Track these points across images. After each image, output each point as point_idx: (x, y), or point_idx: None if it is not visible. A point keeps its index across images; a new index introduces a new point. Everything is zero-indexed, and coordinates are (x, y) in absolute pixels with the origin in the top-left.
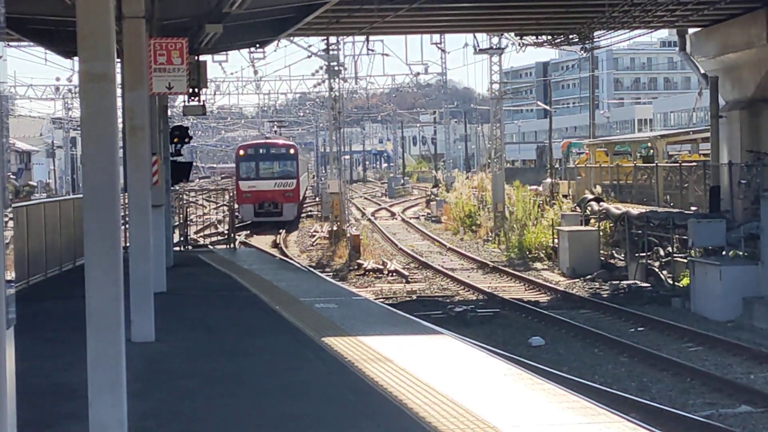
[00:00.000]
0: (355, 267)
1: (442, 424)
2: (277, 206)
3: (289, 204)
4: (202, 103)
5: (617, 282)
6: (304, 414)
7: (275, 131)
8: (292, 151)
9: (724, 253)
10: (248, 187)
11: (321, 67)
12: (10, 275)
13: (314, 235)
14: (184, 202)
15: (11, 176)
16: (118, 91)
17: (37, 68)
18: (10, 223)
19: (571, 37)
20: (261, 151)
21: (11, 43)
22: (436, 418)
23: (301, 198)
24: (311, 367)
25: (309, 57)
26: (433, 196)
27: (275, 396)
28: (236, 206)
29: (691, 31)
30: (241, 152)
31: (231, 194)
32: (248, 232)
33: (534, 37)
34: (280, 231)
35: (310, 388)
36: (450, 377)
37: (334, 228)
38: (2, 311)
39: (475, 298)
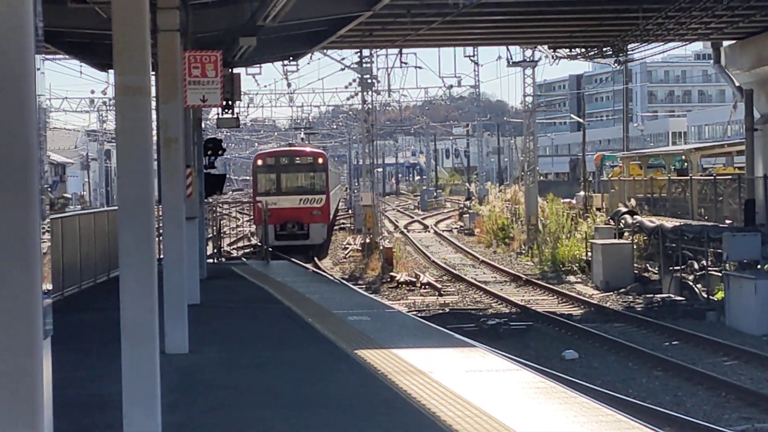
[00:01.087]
0: (388, 279)
1: None
2: (303, 227)
3: (316, 225)
4: (235, 116)
5: (651, 295)
6: (336, 426)
7: (301, 139)
8: (320, 160)
9: (759, 266)
10: (267, 204)
11: (354, 80)
12: (47, 286)
13: (347, 248)
14: (218, 214)
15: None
16: (153, 104)
17: (72, 81)
18: (47, 235)
19: (604, 49)
20: (283, 160)
21: (47, 56)
22: (470, 431)
23: (331, 217)
24: (344, 380)
25: (342, 70)
26: (465, 209)
27: (308, 408)
28: (253, 227)
29: (725, 43)
30: (259, 162)
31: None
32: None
33: (567, 50)
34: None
35: (342, 401)
36: (483, 390)
37: (367, 240)
38: (39, 322)
39: (508, 311)
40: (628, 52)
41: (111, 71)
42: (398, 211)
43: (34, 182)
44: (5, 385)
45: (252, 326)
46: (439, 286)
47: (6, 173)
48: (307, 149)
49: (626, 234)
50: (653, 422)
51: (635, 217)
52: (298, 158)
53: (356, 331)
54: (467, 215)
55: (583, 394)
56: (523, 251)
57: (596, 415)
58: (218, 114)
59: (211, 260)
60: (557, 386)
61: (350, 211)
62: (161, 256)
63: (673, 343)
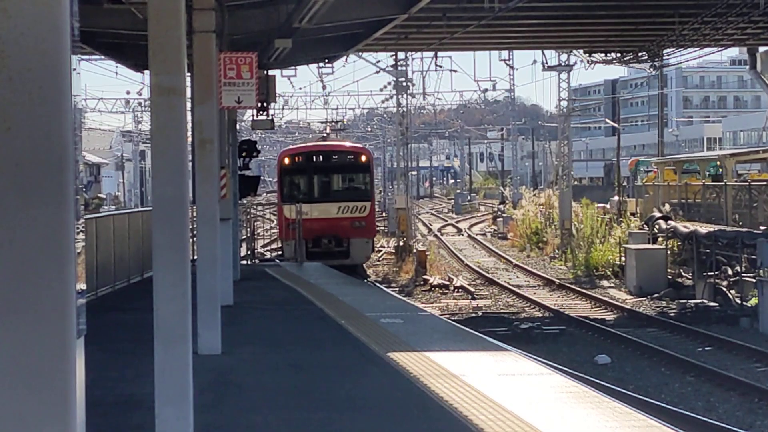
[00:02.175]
0: (421, 282)
1: None
2: (342, 243)
3: (359, 240)
4: (270, 118)
5: (684, 301)
6: (368, 429)
7: (326, 134)
8: (363, 158)
9: None
10: (296, 214)
11: (389, 83)
12: (81, 286)
13: (380, 251)
14: (252, 215)
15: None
16: (188, 105)
17: (107, 81)
18: (81, 235)
19: (640, 54)
20: (317, 158)
21: (83, 57)
22: None
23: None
24: (376, 382)
25: (377, 72)
26: (499, 213)
27: (340, 410)
28: (278, 241)
29: (761, 49)
30: (286, 160)
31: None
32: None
33: (603, 54)
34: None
35: (375, 403)
36: (515, 394)
37: (401, 243)
38: (73, 321)
39: (541, 315)
40: (664, 57)
41: (146, 72)
42: (432, 214)
43: (69, 182)
44: (38, 384)
45: (284, 328)
46: (472, 289)
47: (41, 173)
48: (347, 144)
49: (660, 239)
50: (685, 428)
51: (669, 222)
52: (335, 156)
53: (389, 334)
54: (501, 219)
55: (616, 399)
56: (557, 255)
57: (628, 420)
58: (253, 116)
59: (244, 261)
60: (589, 391)
61: (384, 214)
62: (195, 257)
63: (706, 348)
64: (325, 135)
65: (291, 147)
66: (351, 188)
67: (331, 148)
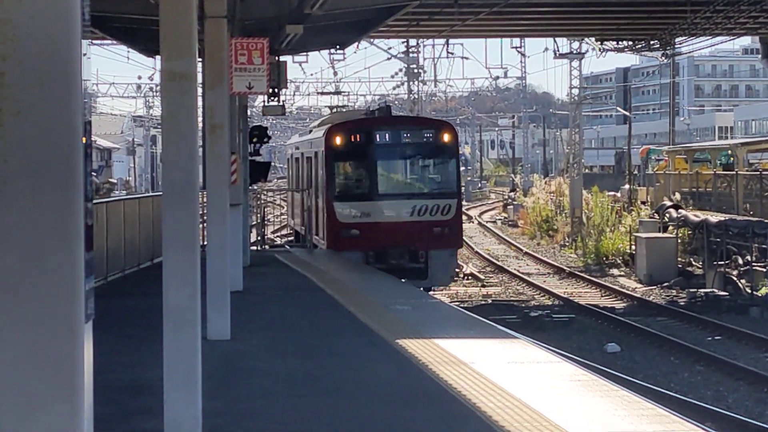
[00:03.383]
0: None
1: (515, 428)
2: (418, 257)
3: (441, 253)
4: (281, 104)
5: (694, 290)
6: (376, 415)
7: (335, 110)
8: (447, 137)
9: None
10: (353, 216)
11: (400, 70)
12: (90, 270)
13: None
14: (262, 201)
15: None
16: (199, 90)
17: (119, 66)
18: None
19: (652, 42)
20: (383, 137)
21: (94, 42)
22: (509, 422)
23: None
24: (385, 369)
25: (389, 59)
26: (510, 201)
27: (348, 396)
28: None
29: None
30: (338, 139)
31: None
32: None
33: (615, 42)
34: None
35: (383, 389)
36: (523, 381)
37: None
38: (81, 305)
39: (550, 303)
40: (676, 46)
41: (158, 57)
42: None
43: (78, 166)
44: (46, 369)
45: (294, 314)
46: (482, 277)
47: (51, 157)
48: (424, 117)
49: (671, 228)
50: (694, 417)
51: (680, 211)
52: (408, 133)
53: (398, 321)
54: (511, 207)
55: (624, 388)
56: (567, 243)
57: (637, 409)
58: (264, 101)
59: (254, 247)
60: (598, 379)
61: None
62: (205, 243)
63: (716, 338)
64: (385, 104)
65: (345, 121)
66: (430, 179)
67: (403, 123)
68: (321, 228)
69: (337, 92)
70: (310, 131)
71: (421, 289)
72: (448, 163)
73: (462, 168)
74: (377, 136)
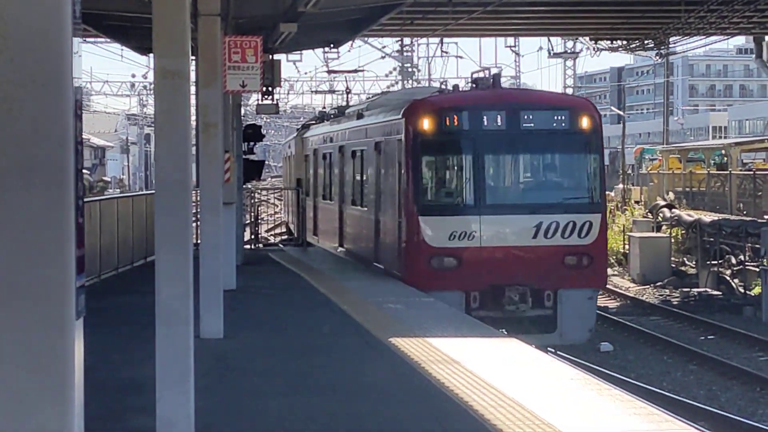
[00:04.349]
0: None
1: (507, 426)
2: (542, 299)
3: (576, 293)
4: (275, 102)
5: (688, 289)
6: (368, 413)
7: (349, 95)
8: (586, 122)
9: None
10: (449, 238)
11: (395, 68)
12: (81, 267)
13: None
14: (256, 200)
15: (86, 171)
16: (192, 89)
17: (113, 64)
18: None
19: (646, 42)
20: (492, 119)
21: (88, 39)
22: (502, 421)
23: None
24: (377, 367)
25: (383, 58)
26: None
27: (341, 395)
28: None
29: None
30: (426, 124)
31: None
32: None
33: (609, 42)
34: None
35: (375, 388)
36: (516, 380)
37: None
38: (72, 302)
39: None
40: (670, 45)
41: (151, 55)
42: None
43: (70, 164)
44: (36, 365)
45: (287, 313)
46: None
47: (42, 154)
48: (550, 94)
49: (664, 227)
50: (687, 416)
51: (673, 210)
52: (531, 114)
53: (391, 320)
54: None
55: (617, 387)
56: None
57: (630, 407)
58: (258, 100)
59: (248, 246)
60: (591, 378)
61: None
62: (198, 241)
63: (709, 337)
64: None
65: (437, 97)
66: (563, 184)
67: (525, 100)
68: (393, 253)
69: (331, 91)
70: (359, 115)
71: (549, 348)
72: (587, 159)
73: None
74: (486, 118)
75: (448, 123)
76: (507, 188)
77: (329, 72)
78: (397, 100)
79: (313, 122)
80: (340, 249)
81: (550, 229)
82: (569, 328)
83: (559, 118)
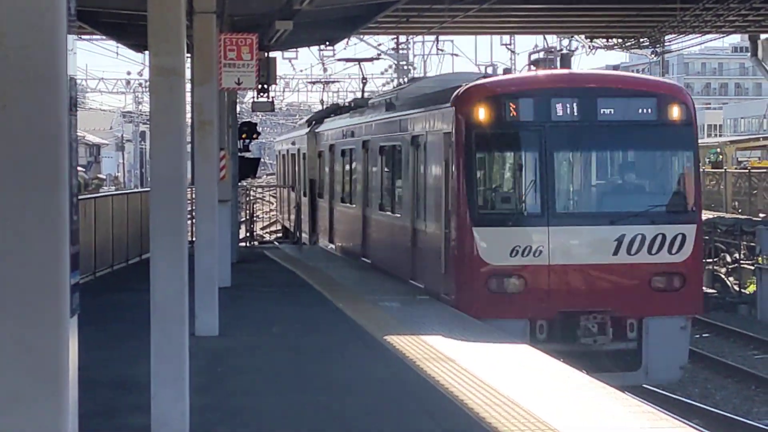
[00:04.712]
0: None
1: (501, 424)
2: (624, 330)
3: (665, 322)
4: (270, 100)
5: None
6: (365, 411)
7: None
8: (676, 112)
9: None
10: (510, 253)
11: (390, 66)
12: (76, 264)
13: None
14: (251, 197)
15: (81, 169)
16: (188, 86)
17: (108, 62)
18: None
19: (641, 40)
20: (564, 108)
21: (83, 36)
22: (496, 419)
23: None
24: (373, 365)
25: (378, 55)
26: None
27: (336, 393)
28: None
29: (763, 36)
30: (482, 112)
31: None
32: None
33: (604, 40)
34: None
35: (371, 386)
36: (510, 378)
37: None
38: (66, 299)
39: None
40: (665, 44)
41: (147, 52)
42: None
43: (64, 161)
44: (31, 363)
45: (282, 310)
46: None
47: (37, 152)
48: (633, 78)
49: None
50: (681, 414)
51: None
52: (610, 103)
53: (386, 317)
54: None
55: (610, 384)
56: None
57: (625, 405)
58: (253, 98)
59: (243, 244)
60: (585, 376)
61: None
62: (193, 239)
63: (704, 335)
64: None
65: (492, 80)
66: (649, 188)
67: (602, 83)
68: (436, 270)
69: (334, 81)
70: (389, 105)
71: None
72: (680, 157)
73: None
74: (556, 107)
75: (509, 113)
76: (581, 193)
77: (341, 60)
78: (433, 87)
79: (330, 115)
80: (364, 260)
81: (634, 244)
82: (656, 365)
83: (646, 106)
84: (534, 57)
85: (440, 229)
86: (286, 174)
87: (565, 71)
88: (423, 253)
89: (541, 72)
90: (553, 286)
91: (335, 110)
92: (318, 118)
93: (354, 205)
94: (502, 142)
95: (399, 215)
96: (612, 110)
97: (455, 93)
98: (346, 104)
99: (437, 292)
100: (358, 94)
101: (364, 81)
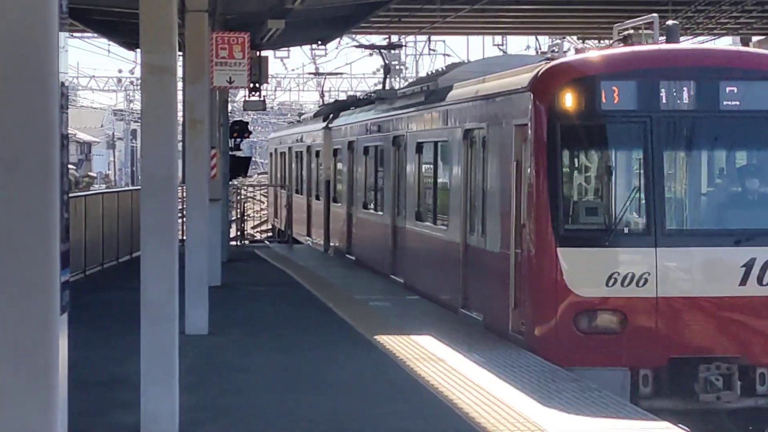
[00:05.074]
0: None
1: (491, 424)
2: (754, 379)
3: None
4: (262, 99)
5: None
6: (353, 410)
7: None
8: None
9: None
10: (609, 282)
11: (382, 66)
12: (66, 261)
13: None
14: (242, 196)
15: (71, 167)
16: (179, 84)
17: (100, 59)
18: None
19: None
20: (675, 91)
21: (75, 34)
22: (486, 419)
23: None
24: (362, 365)
25: (370, 55)
26: None
27: (326, 392)
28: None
29: (755, 39)
30: (570, 100)
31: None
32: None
33: (596, 41)
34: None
35: (360, 385)
36: (499, 378)
37: None
38: (56, 296)
39: None
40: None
41: (138, 50)
42: None
43: (55, 158)
44: (20, 360)
45: (272, 309)
46: None
47: (27, 148)
48: (761, 56)
49: None
50: (678, 418)
51: None
52: (734, 87)
53: (376, 317)
54: None
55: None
56: None
57: (609, 404)
58: (245, 96)
59: (234, 243)
60: (575, 377)
61: None
62: (184, 237)
63: None
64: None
65: (583, 56)
66: None
67: (722, 62)
68: (501, 301)
69: (338, 73)
70: (429, 94)
71: None
72: None
73: None
74: (666, 92)
75: (606, 99)
76: (699, 204)
77: (360, 47)
78: (484, 72)
79: (348, 108)
80: (395, 278)
81: (767, 270)
82: None
83: None
84: (622, 32)
85: (508, 248)
86: (286, 174)
87: (675, 46)
88: (480, 278)
89: (645, 47)
90: (662, 326)
91: (354, 103)
92: (332, 112)
93: (381, 213)
94: (596, 138)
95: (444, 227)
96: (739, 97)
97: (534, 74)
98: (367, 96)
99: (502, 329)
100: (350, 94)
101: (387, 70)
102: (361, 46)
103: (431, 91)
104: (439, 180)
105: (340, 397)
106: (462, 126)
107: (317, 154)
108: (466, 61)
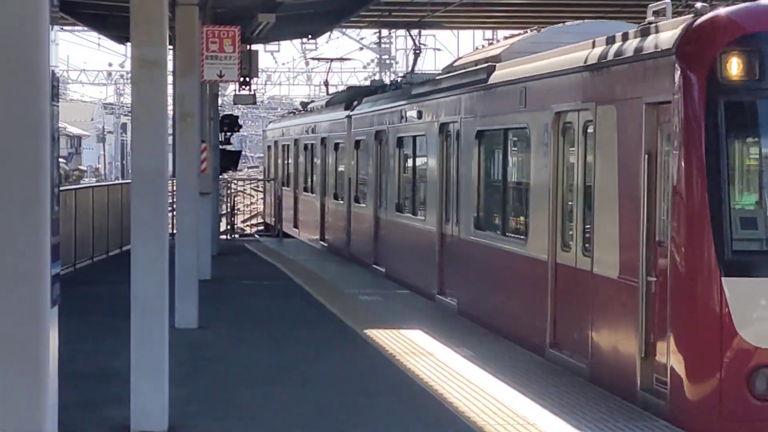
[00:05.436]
0: None
1: (480, 418)
2: None
3: None
4: (252, 93)
5: None
6: (343, 404)
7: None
8: None
9: None
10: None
11: (372, 60)
12: (56, 255)
13: None
14: (232, 190)
15: (62, 160)
16: (170, 78)
17: (90, 53)
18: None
19: None
20: None
21: (65, 27)
22: (476, 413)
23: None
24: (352, 359)
25: (361, 49)
26: None
27: (315, 386)
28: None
29: None
30: (737, 67)
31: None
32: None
33: None
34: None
35: (350, 379)
36: (487, 373)
37: None
38: (47, 289)
39: None
40: None
41: (129, 44)
42: None
43: (45, 152)
44: (11, 352)
45: (262, 303)
46: None
47: (17, 142)
48: None
49: None
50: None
51: None
52: None
53: (366, 311)
54: None
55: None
56: None
57: (609, 401)
58: (235, 90)
59: (224, 236)
60: (569, 374)
61: None
62: (174, 231)
63: None
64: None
65: (749, 5)
66: None
67: None
68: (627, 347)
69: (342, 59)
70: (491, 69)
71: None
72: None
73: None
74: None
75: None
76: None
77: (387, 26)
78: (559, 43)
79: (375, 93)
80: (442, 299)
81: None
82: None
83: None
84: None
85: (635, 274)
86: (291, 170)
87: None
88: (580, 309)
89: None
90: None
91: (380, 87)
92: (354, 97)
93: (422, 217)
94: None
95: (521, 239)
96: None
97: (683, 31)
98: (396, 81)
99: (626, 389)
100: (341, 88)
101: (417, 52)
102: (319, 59)
103: (492, 66)
104: (512, 179)
105: (329, 391)
106: (551, 108)
107: (336, 147)
108: (529, 33)
